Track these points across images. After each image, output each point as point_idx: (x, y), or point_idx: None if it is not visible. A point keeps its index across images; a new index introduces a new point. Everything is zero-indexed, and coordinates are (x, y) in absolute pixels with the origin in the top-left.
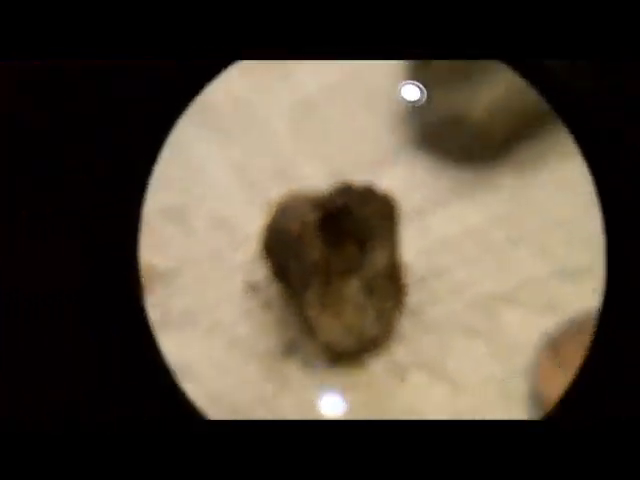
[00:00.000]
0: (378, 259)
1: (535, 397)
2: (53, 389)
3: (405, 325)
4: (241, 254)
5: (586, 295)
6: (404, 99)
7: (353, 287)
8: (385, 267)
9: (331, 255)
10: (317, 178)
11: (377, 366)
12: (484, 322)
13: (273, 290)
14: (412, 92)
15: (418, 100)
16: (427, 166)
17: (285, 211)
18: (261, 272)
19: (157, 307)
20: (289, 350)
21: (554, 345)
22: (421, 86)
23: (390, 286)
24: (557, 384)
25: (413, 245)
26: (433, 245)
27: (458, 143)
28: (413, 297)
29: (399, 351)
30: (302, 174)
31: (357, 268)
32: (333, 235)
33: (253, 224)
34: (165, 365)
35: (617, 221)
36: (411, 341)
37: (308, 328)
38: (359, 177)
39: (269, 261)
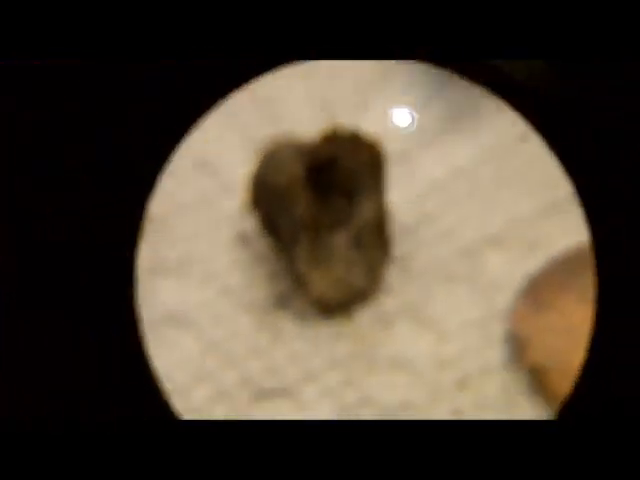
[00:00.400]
0: (366, 211)
1: (510, 339)
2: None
3: (392, 275)
4: (230, 201)
5: (567, 232)
6: (394, 124)
7: (341, 240)
8: (373, 218)
9: (319, 208)
10: (303, 118)
11: (365, 317)
12: (469, 267)
13: (263, 243)
14: (403, 117)
15: (409, 126)
16: (411, 104)
17: (271, 161)
18: (250, 223)
19: (151, 255)
20: (281, 302)
21: (533, 287)
22: (411, 111)
23: (378, 237)
24: (532, 326)
25: (399, 191)
26: (419, 190)
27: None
28: (400, 246)
29: (386, 301)
30: (287, 113)
31: (345, 220)
32: (320, 187)
33: (240, 169)
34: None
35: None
36: (398, 291)
37: (298, 282)
38: (344, 119)
39: (257, 214)
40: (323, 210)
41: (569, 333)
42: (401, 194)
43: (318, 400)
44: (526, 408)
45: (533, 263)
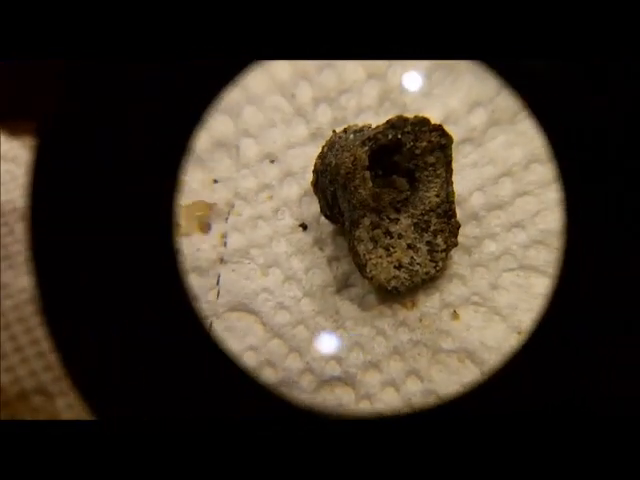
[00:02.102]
0: (431, 195)
1: None
2: None
3: (458, 261)
4: (292, 188)
5: None
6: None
7: (405, 224)
8: (438, 203)
9: (382, 191)
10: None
11: (429, 303)
12: (541, 259)
13: (324, 228)
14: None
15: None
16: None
17: (335, 145)
18: (311, 208)
19: (215, 244)
20: (342, 287)
21: None
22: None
23: (444, 223)
24: None
25: (468, 177)
26: (489, 176)
27: None
28: (467, 232)
29: (450, 288)
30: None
31: (409, 204)
32: (384, 170)
33: (302, 158)
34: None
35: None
36: (463, 278)
37: (358, 266)
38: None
39: (319, 197)
40: (386, 193)
41: None
42: (469, 181)
43: (380, 390)
44: None
45: None
